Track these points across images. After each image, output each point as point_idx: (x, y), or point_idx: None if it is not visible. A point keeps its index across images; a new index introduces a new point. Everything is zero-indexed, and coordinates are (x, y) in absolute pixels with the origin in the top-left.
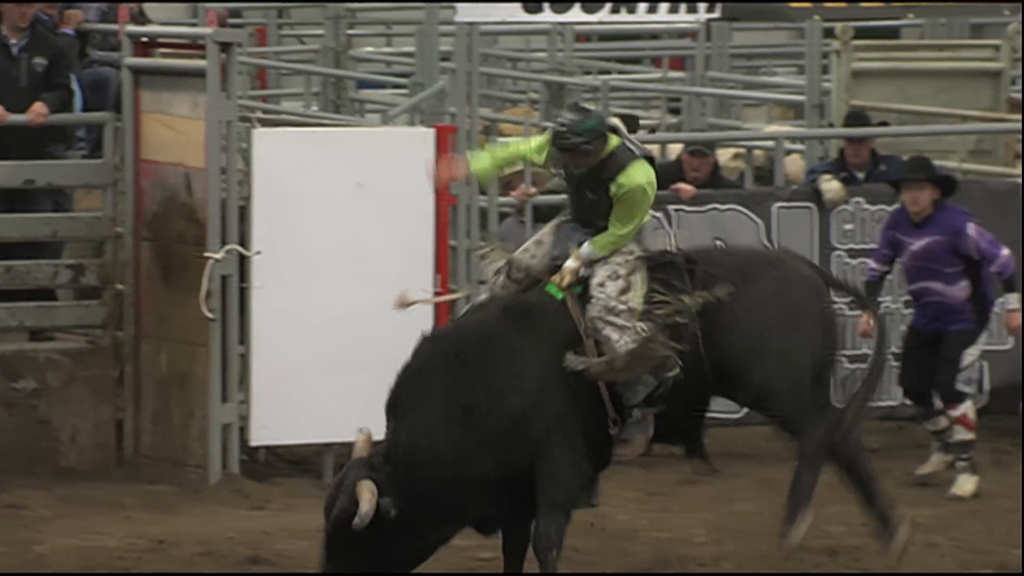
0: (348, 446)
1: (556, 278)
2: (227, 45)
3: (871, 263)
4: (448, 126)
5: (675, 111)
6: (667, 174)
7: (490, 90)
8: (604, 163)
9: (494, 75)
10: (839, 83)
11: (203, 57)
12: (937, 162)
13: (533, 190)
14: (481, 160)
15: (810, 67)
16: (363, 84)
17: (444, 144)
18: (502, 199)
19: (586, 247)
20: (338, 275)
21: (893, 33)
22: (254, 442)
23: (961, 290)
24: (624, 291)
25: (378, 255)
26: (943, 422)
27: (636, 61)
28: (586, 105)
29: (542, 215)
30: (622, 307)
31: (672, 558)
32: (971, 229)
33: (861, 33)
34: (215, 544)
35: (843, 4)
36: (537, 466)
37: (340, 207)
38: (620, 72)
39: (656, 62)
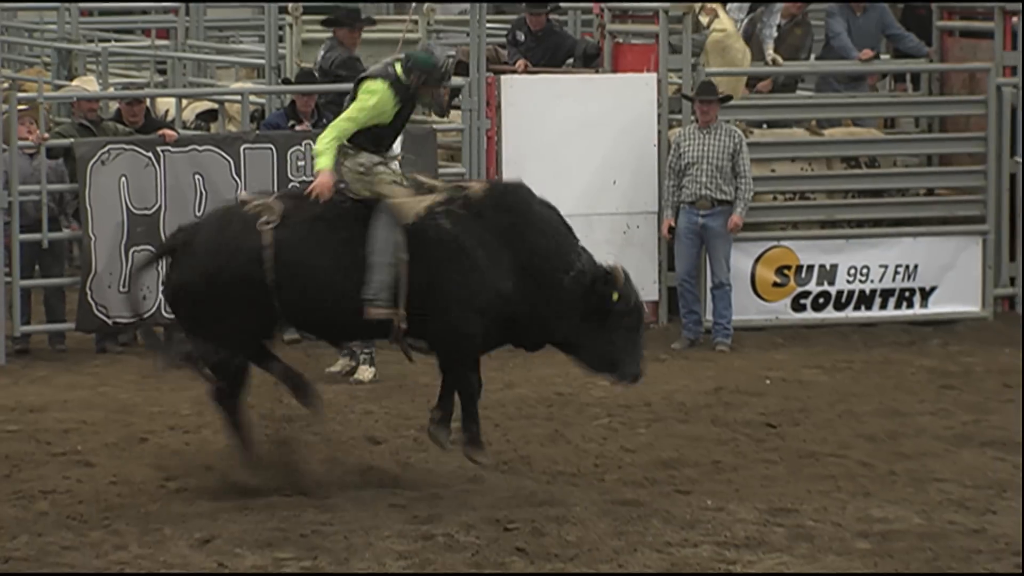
0: None
1: None
2: None
3: None
4: None
5: (162, 72)
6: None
7: (11, 55)
8: None
9: (13, 43)
10: (292, 49)
11: None
12: None
13: (47, 135)
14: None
15: (269, 36)
16: None
17: None
18: (22, 142)
19: None
20: None
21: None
22: None
23: None
24: None
25: None
26: None
27: (130, 32)
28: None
29: (53, 154)
30: None
31: (163, 428)
32: None
33: (310, 9)
34: None
35: None
36: None
37: None
38: (117, 40)
39: (146, 32)
